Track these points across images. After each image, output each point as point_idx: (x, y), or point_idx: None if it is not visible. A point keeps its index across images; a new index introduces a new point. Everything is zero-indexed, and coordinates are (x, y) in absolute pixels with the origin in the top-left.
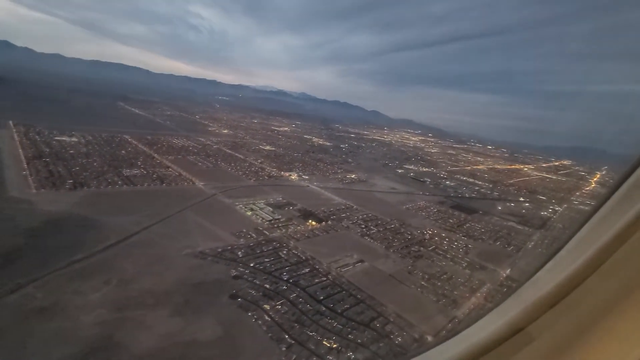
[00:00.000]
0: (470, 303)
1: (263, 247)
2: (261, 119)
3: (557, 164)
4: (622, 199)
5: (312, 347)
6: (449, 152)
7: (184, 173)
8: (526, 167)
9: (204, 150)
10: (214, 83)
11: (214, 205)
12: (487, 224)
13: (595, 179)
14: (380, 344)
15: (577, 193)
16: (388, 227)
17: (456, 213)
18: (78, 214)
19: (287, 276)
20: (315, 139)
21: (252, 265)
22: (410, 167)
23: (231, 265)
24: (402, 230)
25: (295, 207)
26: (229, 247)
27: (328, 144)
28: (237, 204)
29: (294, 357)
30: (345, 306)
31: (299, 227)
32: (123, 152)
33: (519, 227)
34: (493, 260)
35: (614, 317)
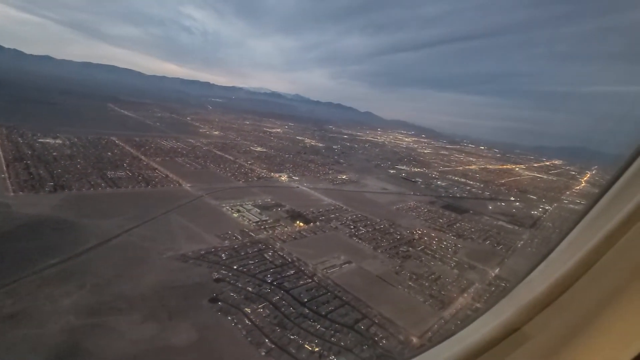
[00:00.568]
0: (458, 303)
1: (248, 249)
2: (254, 120)
3: (548, 163)
4: (613, 200)
5: (293, 351)
6: (441, 152)
7: (170, 175)
8: (518, 167)
9: (193, 151)
10: (207, 85)
11: (200, 207)
12: (477, 224)
13: (585, 179)
14: (364, 347)
15: (567, 192)
16: (377, 227)
17: (447, 213)
18: (57, 217)
19: (271, 278)
20: (307, 140)
21: (235, 267)
22: (402, 168)
23: (214, 268)
24: (392, 230)
25: (283, 209)
26: (213, 250)
27: (320, 145)
28: (223, 205)
29: None
30: (330, 308)
31: (286, 229)
32: (109, 154)
33: (509, 226)
34: (482, 259)
35: (607, 316)
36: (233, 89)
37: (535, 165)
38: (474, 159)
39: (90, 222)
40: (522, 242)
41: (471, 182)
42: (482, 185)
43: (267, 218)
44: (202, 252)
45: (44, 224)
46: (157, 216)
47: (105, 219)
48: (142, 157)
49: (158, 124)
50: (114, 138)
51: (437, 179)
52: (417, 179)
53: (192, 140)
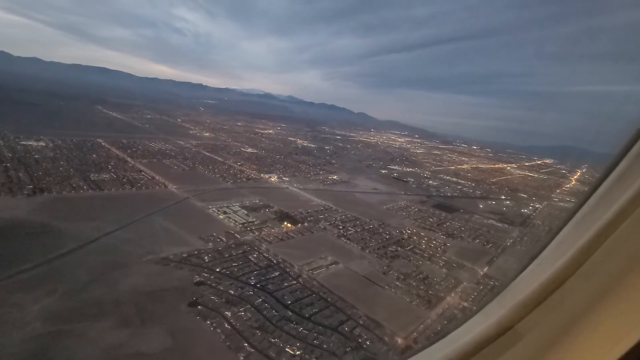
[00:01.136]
0: (445, 303)
1: (232, 251)
2: (246, 122)
3: (539, 162)
4: (601, 199)
5: (273, 355)
6: (434, 152)
7: (157, 177)
8: (509, 166)
9: (181, 153)
10: (199, 86)
11: (185, 209)
12: (467, 223)
13: (575, 177)
14: (347, 349)
15: (557, 190)
16: (366, 227)
17: (437, 212)
18: (33, 221)
19: (254, 281)
20: (299, 141)
21: (218, 270)
22: (394, 168)
23: (195, 270)
24: (381, 230)
25: (271, 210)
26: (196, 252)
27: (312, 146)
28: (210, 207)
29: None
30: (314, 310)
31: (273, 230)
32: (94, 156)
33: (499, 224)
34: (471, 258)
35: (596, 314)
36: (226, 90)
37: (526, 164)
38: (466, 159)
39: (68, 225)
40: (511, 241)
41: (462, 181)
42: (473, 184)
43: (254, 219)
44: (185, 255)
45: (19, 228)
46: (139, 219)
47: (85, 222)
48: (128, 159)
49: (147, 125)
50: (100, 140)
51: (428, 178)
52: (408, 179)
53: (182, 142)
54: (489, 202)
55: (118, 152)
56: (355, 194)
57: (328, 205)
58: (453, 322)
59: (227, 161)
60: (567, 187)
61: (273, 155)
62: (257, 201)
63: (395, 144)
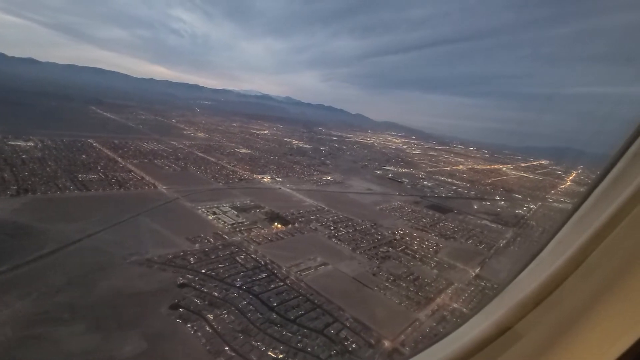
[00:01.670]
0: (435, 304)
1: (219, 252)
2: (241, 122)
3: (535, 163)
4: (599, 199)
5: (254, 359)
6: (430, 153)
7: (147, 177)
8: (505, 167)
9: (174, 153)
10: (196, 87)
11: (173, 210)
12: (460, 223)
13: (570, 178)
14: (332, 352)
15: (552, 191)
16: (358, 228)
17: (430, 213)
18: (14, 222)
19: (240, 282)
20: (295, 142)
21: (203, 272)
22: (390, 169)
23: (179, 272)
24: (373, 231)
25: (262, 210)
26: (181, 253)
27: (307, 146)
28: (199, 207)
29: None
30: (300, 312)
31: (262, 231)
32: (83, 156)
33: (493, 225)
34: (463, 259)
35: (595, 313)
36: (223, 91)
37: (522, 165)
38: (462, 160)
39: (51, 226)
40: (504, 241)
41: (458, 182)
42: (468, 185)
43: (244, 220)
44: (170, 256)
45: None
46: (125, 220)
47: (68, 223)
48: (119, 160)
49: (141, 126)
50: (91, 140)
51: (423, 179)
52: (403, 180)
53: (175, 143)
54: (484, 202)
55: (109, 153)
56: (349, 195)
57: (320, 206)
58: (442, 323)
59: (220, 162)
60: (562, 188)
61: (267, 156)
62: (248, 202)
63: (392, 145)
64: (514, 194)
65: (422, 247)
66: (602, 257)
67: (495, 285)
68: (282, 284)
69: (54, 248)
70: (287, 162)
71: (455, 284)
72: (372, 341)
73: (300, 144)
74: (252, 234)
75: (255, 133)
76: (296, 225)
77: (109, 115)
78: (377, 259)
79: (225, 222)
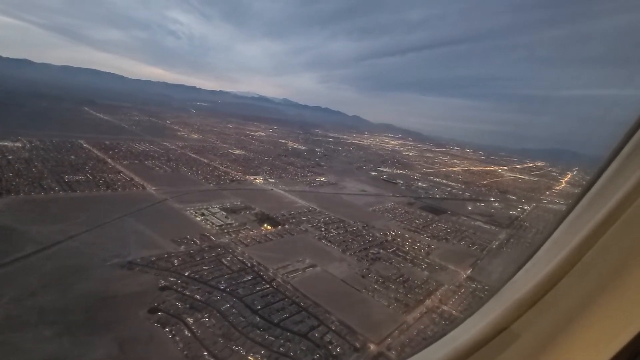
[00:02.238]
0: (423, 306)
1: (205, 254)
2: (237, 124)
3: (531, 165)
4: (594, 199)
5: None
6: (426, 155)
7: (136, 178)
8: (500, 169)
9: (166, 154)
10: (193, 89)
11: (161, 211)
12: (453, 224)
13: (565, 179)
14: (315, 356)
15: (547, 192)
16: (349, 229)
17: (424, 214)
18: None
19: (224, 285)
20: (290, 143)
21: (186, 274)
22: (385, 170)
23: (162, 275)
24: (364, 232)
25: (252, 211)
26: (165, 256)
27: (303, 148)
28: (187, 209)
29: None
30: (284, 315)
31: (251, 232)
32: (72, 157)
33: (486, 226)
34: (455, 260)
35: (591, 312)
36: (220, 93)
37: (518, 166)
38: (458, 161)
39: (31, 228)
40: (497, 242)
41: (452, 184)
42: (463, 187)
43: (233, 221)
44: (153, 258)
45: None
46: (110, 221)
47: (50, 224)
48: (109, 160)
49: (134, 127)
50: (81, 141)
51: (418, 180)
52: (398, 181)
53: (167, 144)
54: (478, 204)
55: (99, 153)
56: (342, 196)
57: (312, 207)
58: (430, 326)
59: (212, 163)
60: (556, 189)
61: (261, 157)
62: (239, 203)
63: (388, 147)
64: (508, 195)
65: (414, 248)
66: (597, 257)
67: (486, 287)
68: (267, 286)
69: (33, 250)
70: (281, 163)
71: (446, 286)
72: (358, 345)
73: (296, 146)
74: (241, 235)
75: (250, 134)
76: (286, 226)
77: (101, 116)
78: (367, 260)
79: (213, 224)
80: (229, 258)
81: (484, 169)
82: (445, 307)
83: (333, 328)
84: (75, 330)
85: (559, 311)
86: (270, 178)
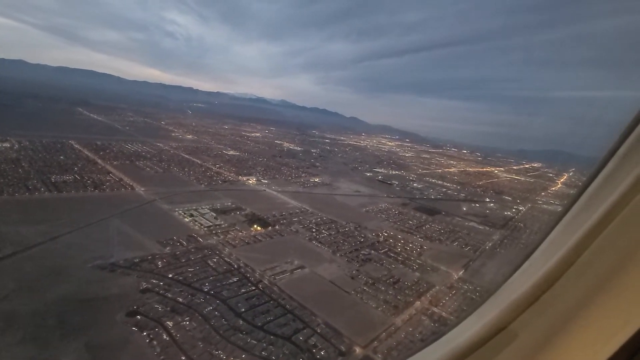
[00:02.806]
0: (413, 308)
1: (190, 256)
2: (233, 125)
3: (527, 166)
4: (590, 199)
5: None
6: (423, 156)
7: (125, 179)
8: (497, 170)
9: (158, 155)
10: (190, 90)
11: (148, 212)
12: (447, 225)
13: (561, 180)
14: None
15: (542, 193)
16: (341, 230)
17: (418, 214)
18: None
19: (208, 287)
20: (286, 144)
21: (170, 276)
22: (380, 171)
23: (144, 277)
24: (356, 233)
25: (243, 212)
26: (149, 257)
27: (298, 148)
28: (176, 209)
29: None
30: (268, 318)
31: (240, 233)
32: (61, 157)
33: (480, 227)
34: (447, 261)
35: (588, 313)
36: (217, 94)
37: (514, 167)
38: (454, 162)
39: (11, 229)
40: (491, 243)
41: (448, 184)
42: (458, 187)
43: (222, 222)
44: (137, 260)
45: None
46: (95, 222)
47: (31, 225)
48: (99, 161)
49: (128, 128)
50: (72, 142)
51: (414, 181)
52: (393, 182)
53: (160, 144)
54: (473, 204)
55: (89, 154)
56: (336, 197)
57: (304, 208)
58: (419, 328)
59: (205, 163)
60: (552, 190)
61: (255, 158)
62: (229, 204)
63: (385, 148)
64: (504, 196)
65: (406, 249)
66: (594, 257)
67: (477, 288)
68: (253, 288)
69: (10, 252)
70: (275, 164)
71: (437, 287)
72: (343, 348)
73: (291, 146)
74: (229, 236)
75: (246, 135)
76: (276, 227)
77: (95, 117)
78: (357, 261)
79: (201, 225)
80: (215, 259)
81: (480, 170)
82: (435, 309)
83: (318, 331)
84: (44, 335)
85: (556, 311)
86: (264, 179)
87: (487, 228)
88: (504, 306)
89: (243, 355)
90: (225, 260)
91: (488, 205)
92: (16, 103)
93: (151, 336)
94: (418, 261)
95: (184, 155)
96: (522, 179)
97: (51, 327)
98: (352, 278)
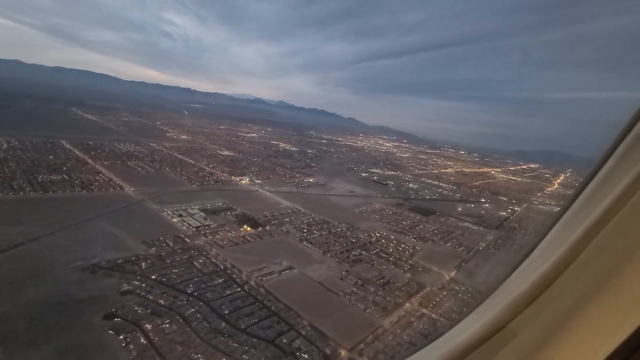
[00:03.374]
0: (402, 310)
1: (176, 257)
2: (230, 125)
3: (524, 167)
4: (589, 199)
5: None
6: (420, 156)
7: (115, 179)
8: (494, 170)
9: (150, 155)
10: (187, 91)
11: (136, 212)
12: (441, 225)
13: (558, 181)
14: None
15: (539, 194)
16: (333, 230)
17: (412, 215)
18: None
19: (192, 289)
20: (282, 145)
21: (153, 277)
22: (376, 171)
23: (125, 278)
24: (348, 233)
25: (233, 213)
26: (133, 258)
27: (294, 149)
28: (165, 210)
29: None
30: (252, 321)
31: (229, 234)
32: (50, 157)
33: (474, 227)
34: (439, 262)
35: (587, 311)
36: (215, 95)
37: (511, 168)
38: (451, 163)
39: None
40: (484, 244)
41: (444, 185)
42: (454, 188)
43: (211, 223)
44: (120, 261)
45: None
46: (79, 222)
47: (12, 226)
48: (89, 161)
49: (122, 128)
50: (63, 141)
51: (409, 181)
52: (388, 182)
53: (154, 144)
54: (468, 205)
55: (79, 154)
56: (329, 197)
57: (297, 208)
58: (407, 330)
59: (198, 163)
60: (548, 191)
61: (250, 158)
62: (220, 204)
63: (382, 149)
64: (499, 197)
65: (398, 250)
66: (593, 256)
67: (469, 289)
68: (239, 289)
69: None
70: (269, 164)
71: (428, 288)
72: (328, 351)
73: (287, 147)
74: (217, 237)
75: (241, 135)
76: (267, 228)
77: (89, 116)
78: (347, 262)
79: (189, 225)
80: (201, 260)
81: (477, 170)
82: (424, 310)
83: (303, 333)
84: (13, 339)
85: (555, 310)
86: (257, 179)
87: (482, 228)
88: (502, 305)
89: (223, 359)
90: (211, 261)
91: (483, 205)
92: (10, 103)
93: (127, 339)
94: (410, 262)
95: (177, 155)
96: (519, 179)
97: (21, 331)
98: (342, 279)
